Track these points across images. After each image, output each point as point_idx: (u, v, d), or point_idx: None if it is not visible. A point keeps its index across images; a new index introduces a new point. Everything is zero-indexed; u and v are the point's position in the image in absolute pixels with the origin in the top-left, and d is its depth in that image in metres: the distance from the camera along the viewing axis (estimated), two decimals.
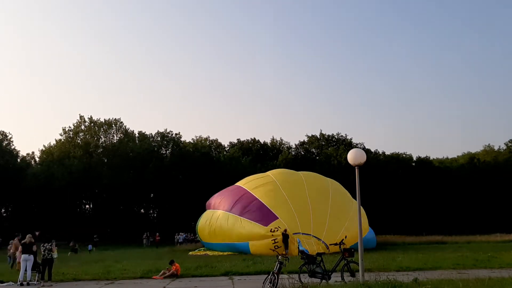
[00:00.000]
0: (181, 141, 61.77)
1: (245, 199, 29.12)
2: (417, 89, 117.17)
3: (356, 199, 13.77)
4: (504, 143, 67.16)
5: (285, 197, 28.31)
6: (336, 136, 65.73)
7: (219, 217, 29.71)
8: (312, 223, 26.40)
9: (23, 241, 15.65)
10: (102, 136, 57.43)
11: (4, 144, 55.05)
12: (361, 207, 27.45)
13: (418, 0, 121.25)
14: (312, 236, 25.65)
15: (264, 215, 27.12)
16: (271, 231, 25.36)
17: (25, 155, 60.52)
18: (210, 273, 16.46)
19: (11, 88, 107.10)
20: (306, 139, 66.58)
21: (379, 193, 52.72)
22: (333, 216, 27.14)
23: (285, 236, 24.86)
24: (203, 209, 34.80)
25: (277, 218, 26.51)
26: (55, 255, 15.73)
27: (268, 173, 33.49)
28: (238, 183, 33.28)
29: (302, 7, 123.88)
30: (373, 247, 28.41)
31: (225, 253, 27.13)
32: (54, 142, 57.40)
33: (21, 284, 14.76)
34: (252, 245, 26.09)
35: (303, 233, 25.78)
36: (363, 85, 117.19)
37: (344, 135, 65.74)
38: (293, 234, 25.42)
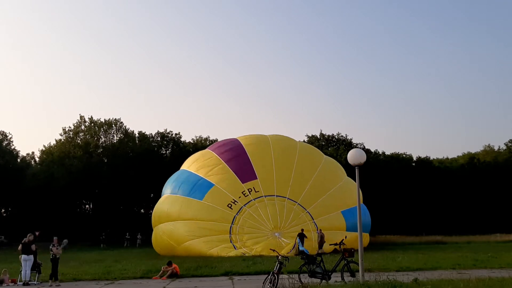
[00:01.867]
0: (181, 141, 61.74)
1: (236, 150, 30.63)
2: (417, 89, 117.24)
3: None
4: (504, 143, 67.10)
5: (272, 161, 29.19)
6: (336, 136, 65.68)
7: (204, 154, 31.75)
8: (290, 189, 27.60)
9: (23, 241, 15.65)
10: (102, 136, 57.35)
11: (4, 144, 54.97)
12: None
13: None
14: (288, 198, 27.00)
15: (243, 167, 28.55)
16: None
17: (25, 155, 60.57)
18: (210, 273, 16.48)
19: (11, 88, 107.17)
20: (306, 139, 66.51)
21: (379, 193, 52.65)
22: (317, 184, 28.51)
23: (302, 236, 24.21)
24: None
25: (256, 178, 27.82)
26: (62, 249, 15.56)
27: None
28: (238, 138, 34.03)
29: (303, 5, 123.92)
30: (367, 230, 29.02)
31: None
32: (54, 142, 57.36)
33: (24, 284, 14.81)
34: (215, 191, 27.09)
35: (277, 195, 27.00)
36: (363, 85, 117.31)
37: (344, 135, 65.69)
38: (266, 196, 26.71)
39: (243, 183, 27.62)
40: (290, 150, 30.94)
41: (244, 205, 26.37)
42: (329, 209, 27.27)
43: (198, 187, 27.88)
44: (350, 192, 28.26)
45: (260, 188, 27.27)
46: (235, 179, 27.98)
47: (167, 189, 30.55)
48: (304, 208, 26.66)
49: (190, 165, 31.20)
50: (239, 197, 26.87)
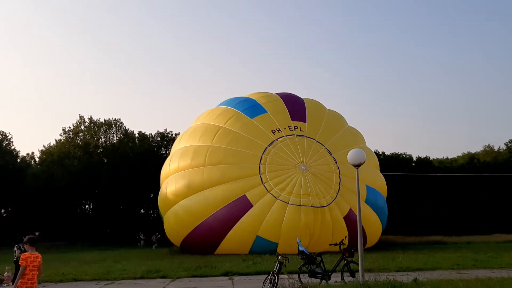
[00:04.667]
0: None
1: (297, 99, 33.53)
2: (417, 89, 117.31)
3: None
4: (504, 143, 67.09)
5: (323, 119, 31.41)
6: None
7: (267, 93, 34.63)
8: (329, 144, 29.73)
9: (22, 242, 15.59)
10: (102, 136, 57.29)
11: (4, 144, 54.93)
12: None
13: None
14: (324, 148, 29.02)
15: (297, 110, 30.90)
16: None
17: (25, 155, 60.44)
18: (210, 273, 16.45)
19: (11, 88, 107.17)
20: None
21: None
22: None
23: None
24: None
25: (305, 122, 30.03)
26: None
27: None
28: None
29: (301, 3, 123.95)
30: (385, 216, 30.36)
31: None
32: (54, 142, 57.34)
33: None
34: (265, 116, 29.65)
35: (317, 141, 29.10)
36: (363, 85, 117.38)
37: None
38: (307, 137, 28.88)
39: (292, 120, 30.04)
40: (341, 123, 33.74)
41: (286, 136, 28.76)
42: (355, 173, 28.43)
43: (252, 108, 30.70)
44: (376, 171, 31.33)
45: (305, 130, 29.59)
46: (286, 115, 30.40)
47: (225, 103, 33.36)
48: (336, 161, 28.55)
49: (253, 95, 33.93)
50: (284, 129, 29.32)
